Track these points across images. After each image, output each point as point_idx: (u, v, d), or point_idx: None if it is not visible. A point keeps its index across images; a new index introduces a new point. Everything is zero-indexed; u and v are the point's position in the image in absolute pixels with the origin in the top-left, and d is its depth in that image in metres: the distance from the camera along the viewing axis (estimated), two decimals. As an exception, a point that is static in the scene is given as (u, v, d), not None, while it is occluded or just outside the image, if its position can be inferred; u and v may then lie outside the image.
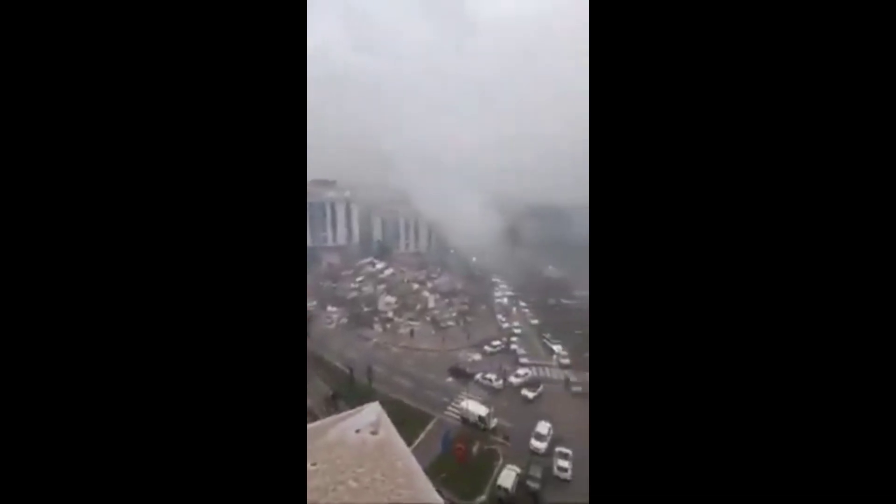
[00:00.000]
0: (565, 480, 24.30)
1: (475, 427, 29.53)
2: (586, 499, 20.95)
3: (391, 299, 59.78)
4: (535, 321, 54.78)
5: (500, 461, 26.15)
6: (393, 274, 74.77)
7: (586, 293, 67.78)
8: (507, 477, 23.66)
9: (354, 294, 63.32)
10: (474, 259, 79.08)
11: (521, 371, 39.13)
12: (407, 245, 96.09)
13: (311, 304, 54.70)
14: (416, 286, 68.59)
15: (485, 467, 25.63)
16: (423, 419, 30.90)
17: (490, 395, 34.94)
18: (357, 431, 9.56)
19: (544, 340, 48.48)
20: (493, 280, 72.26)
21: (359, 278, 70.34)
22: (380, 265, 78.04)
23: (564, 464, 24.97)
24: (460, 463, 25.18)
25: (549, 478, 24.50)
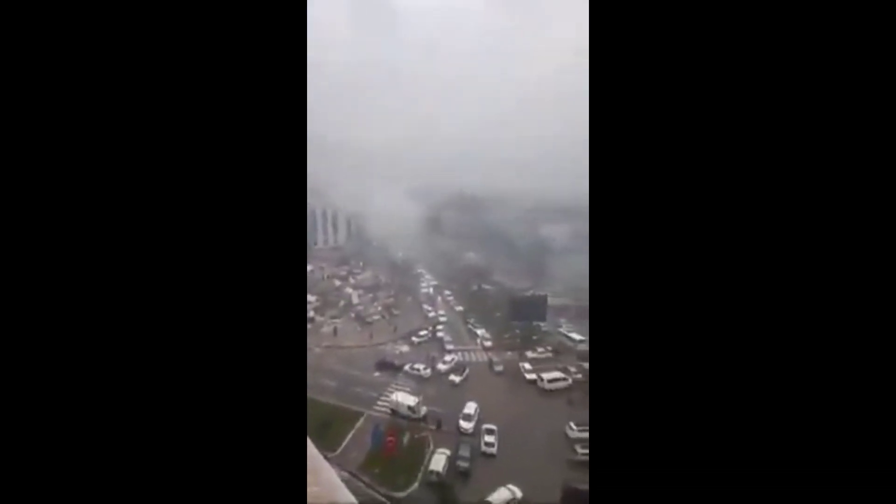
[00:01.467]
0: (492, 455, 25.96)
1: (406, 418, 29.84)
2: (509, 474, 22.44)
3: (311, 298, 56.72)
4: (460, 308, 56.75)
5: (431, 447, 26.90)
6: (312, 271, 70.87)
7: (504, 278, 72.17)
8: (438, 461, 24.46)
9: (268, 295, 58.79)
10: (400, 254, 78.70)
11: (447, 357, 40.36)
12: (326, 240, 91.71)
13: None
14: (337, 282, 66.21)
15: (417, 456, 26.13)
16: (352, 417, 30.26)
17: (419, 384, 35.48)
18: None
19: (469, 326, 50.55)
20: (418, 271, 72.76)
21: (273, 278, 65.35)
22: (296, 262, 73.43)
23: (491, 439, 26.62)
24: (391, 456, 25.30)
25: (477, 455, 25.93)
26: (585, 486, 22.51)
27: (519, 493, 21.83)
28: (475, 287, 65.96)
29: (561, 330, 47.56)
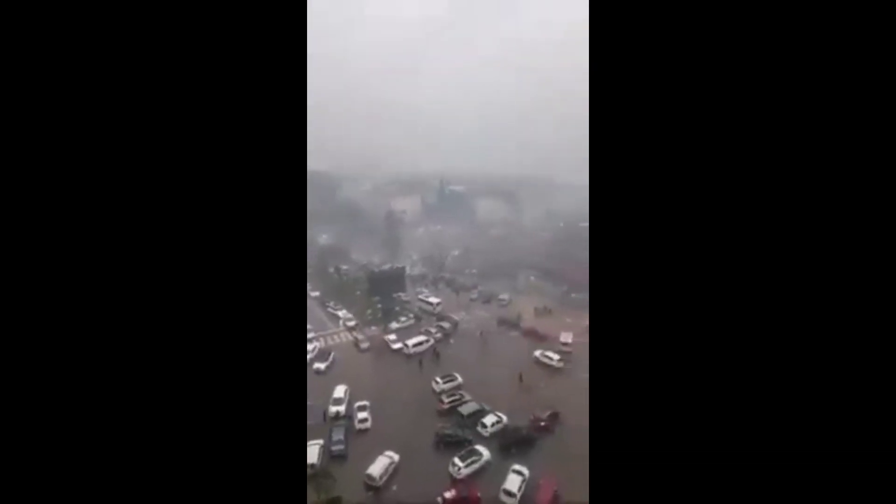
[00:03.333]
0: (366, 430, 26.31)
1: (268, 421, 27.12)
2: (386, 442, 23.13)
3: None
4: (316, 293, 53.59)
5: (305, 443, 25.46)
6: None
7: (361, 256, 71.08)
8: (312, 453, 23.43)
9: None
10: None
11: (308, 347, 38.08)
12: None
13: None
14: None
15: (286, 456, 24.33)
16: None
17: (279, 382, 32.51)
18: None
19: (328, 309, 48.42)
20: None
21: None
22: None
23: (363, 415, 26.85)
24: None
25: (352, 434, 25.87)
26: (451, 430, 25.20)
27: (396, 457, 22.96)
28: (331, 269, 63.14)
29: (420, 297, 50.32)
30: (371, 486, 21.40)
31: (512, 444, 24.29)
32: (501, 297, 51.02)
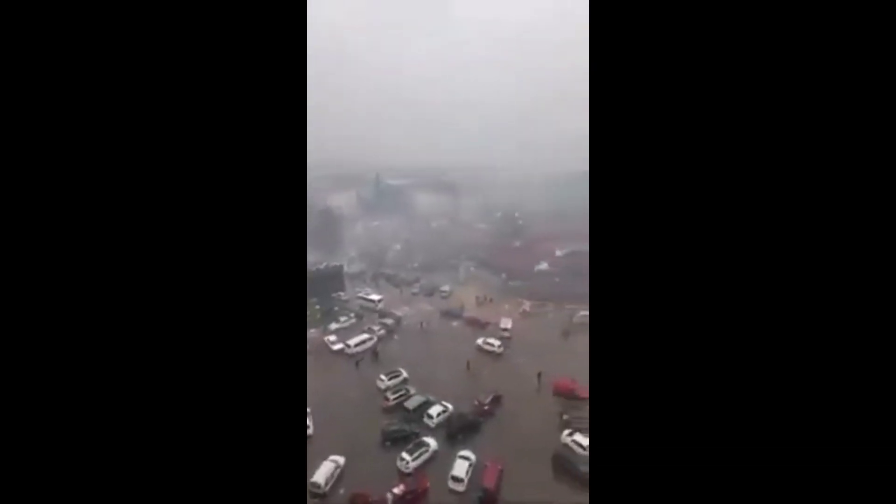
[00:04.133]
0: (308, 437, 25.18)
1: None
2: (331, 446, 22.00)
3: None
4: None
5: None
6: None
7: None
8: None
9: None
10: None
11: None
12: None
13: None
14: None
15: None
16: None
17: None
18: None
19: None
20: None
21: None
22: None
23: (306, 422, 25.63)
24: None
25: (293, 443, 24.53)
26: (397, 426, 25.08)
27: (342, 460, 22.30)
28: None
29: (360, 295, 49.06)
30: (316, 494, 20.57)
31: (458, 431, 24.86)
32: (443, 289, 51.65)
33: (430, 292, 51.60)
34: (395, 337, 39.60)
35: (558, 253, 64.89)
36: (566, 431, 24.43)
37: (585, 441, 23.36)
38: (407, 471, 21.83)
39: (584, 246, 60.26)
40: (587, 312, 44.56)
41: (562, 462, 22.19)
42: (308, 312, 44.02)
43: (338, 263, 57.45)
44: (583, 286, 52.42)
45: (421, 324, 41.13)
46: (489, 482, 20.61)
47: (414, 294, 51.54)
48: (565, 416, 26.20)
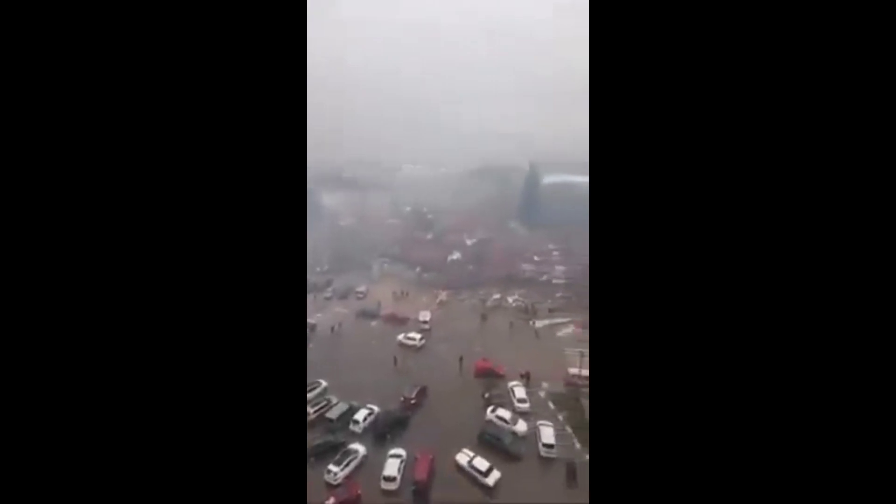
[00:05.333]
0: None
1: None
2: None
3: None
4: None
5: None
6: None
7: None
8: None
9: None
10: None
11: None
12: None
13: None
14: None
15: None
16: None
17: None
18: None
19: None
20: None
21: None
22: None
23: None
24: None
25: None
26: (321, 439, 23.69)
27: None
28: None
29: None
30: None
31: (386, 430, 24.52)
32: (359, 289, 50.00)
33: (345, 294, 49.53)
34: (311, 346, 37.18)
35: (468, 242, 67.73)
36: (490, 409, 25.85)
37: (507, 415, 25.03)
38: (336, 482, 20.83)
39: (492, 234, 63.88)
40: (500, 295, 47.54)
41: (487, 438, 23.45)
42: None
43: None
44: (492, 271, 55.60)
45: (332, 328, 39.21)
46: (421, 474, 20.80)
47: (327, 298, 48.92)
48: (487, 395, 27.68)
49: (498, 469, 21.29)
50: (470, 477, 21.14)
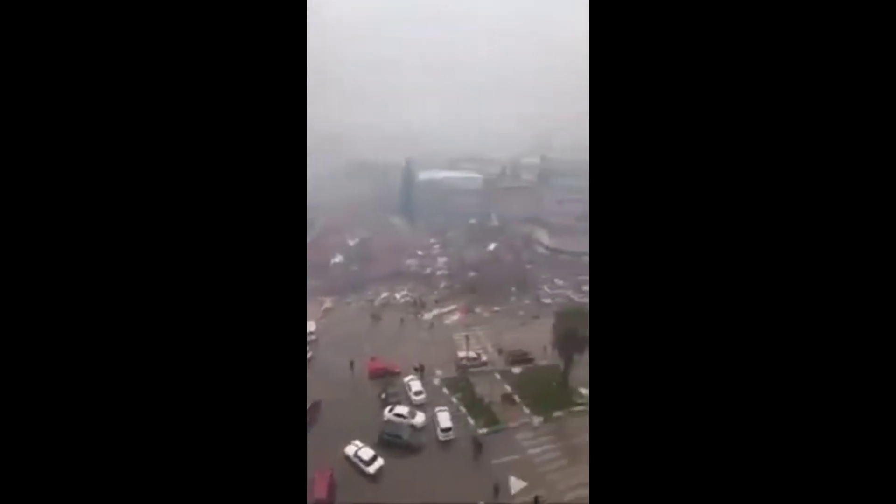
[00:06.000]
0: None
1: None
2: None
3: None
4: None
5: None
6: None
7: None
8: None
9: None
10: None
11: None
12: None
13: None
14: None
15: None
16: None
17: None
18: None
19: None
20: None
21: None
22: None
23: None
24: None
25: None
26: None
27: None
28: None
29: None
30: None
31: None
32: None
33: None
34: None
35: (350, 243, 65.69)
36: (387, 408, 25.95)
37: (405, 410, 25.53)
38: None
39: (372, 233, 63.13)
40: (388, 293, 47.59)
41: (386, 438, 23.58)
42: None
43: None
44: (377, 269, 55.19)
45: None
46: (320, 492, 19.81)
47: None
48: (383, 395, 27.71)
49: (403, 462, 21.68)
50: (355, 467, 21.32)
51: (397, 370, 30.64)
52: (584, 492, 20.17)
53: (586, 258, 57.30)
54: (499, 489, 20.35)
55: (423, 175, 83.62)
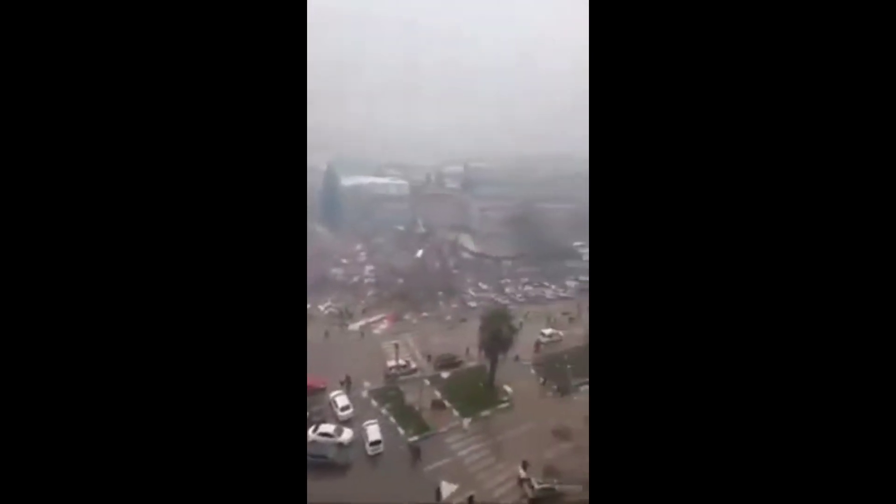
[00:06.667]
0: None
1: None
2: None
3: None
4: None
5: None
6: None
7: None
8: None
9: None
10: None
11: None
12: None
13: None
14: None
15: None
16: None
17: None
18: None
19: None
20: None
21: None
22: None
23: None
24: None
25: None
26: None
27: None
28: None
29: None
30: None
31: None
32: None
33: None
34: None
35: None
36: (311, 428, 24.45)
37: (331, 428, 24.30)
38: None
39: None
40: (311, 305, 44.94)
41: (311, 461, 22.19)
42: None
43: None
44: (314, 273, 51.95)
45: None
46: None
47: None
48: (308, 413, 26.05)
49: (333, 483, 20.54)
50: None
51: (322, 386, 29.06)
52: (512, 485, 21.26)
53: (508, 262, 61.16)
54: (440, 494, 20.39)
55: (348, 181, 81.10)
